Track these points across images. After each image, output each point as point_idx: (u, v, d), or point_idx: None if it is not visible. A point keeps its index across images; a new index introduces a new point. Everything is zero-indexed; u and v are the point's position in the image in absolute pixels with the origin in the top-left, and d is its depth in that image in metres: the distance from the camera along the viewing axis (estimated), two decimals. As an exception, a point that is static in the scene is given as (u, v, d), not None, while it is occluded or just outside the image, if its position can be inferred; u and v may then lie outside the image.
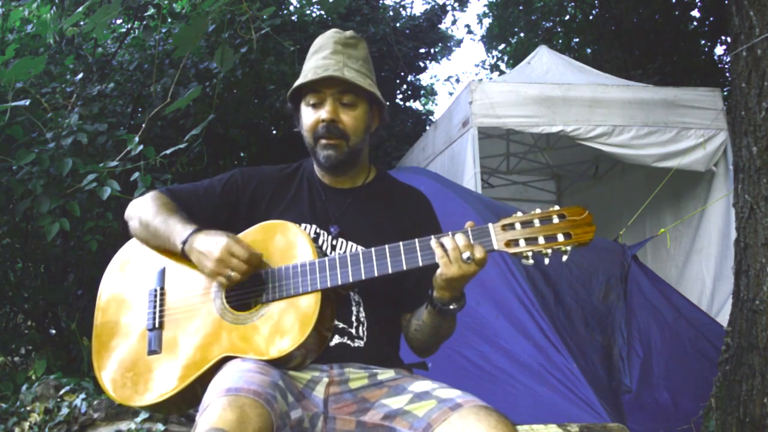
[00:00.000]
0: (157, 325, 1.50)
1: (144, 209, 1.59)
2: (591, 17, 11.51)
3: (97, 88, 4.37)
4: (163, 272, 1.57)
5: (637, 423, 3.19)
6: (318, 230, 1.61)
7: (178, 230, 1.51)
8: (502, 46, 13.63)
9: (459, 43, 19.01)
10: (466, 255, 1.34)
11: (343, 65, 1.58)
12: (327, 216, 1.63)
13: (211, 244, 1.44)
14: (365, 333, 1.53)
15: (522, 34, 12.47)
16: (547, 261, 1.36)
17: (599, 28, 10.97)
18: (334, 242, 1.60)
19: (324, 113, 1.57)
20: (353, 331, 1.52)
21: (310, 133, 1.60)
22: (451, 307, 1.44)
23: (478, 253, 1.35)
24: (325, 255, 1.51)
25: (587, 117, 5.09)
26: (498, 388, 3.03)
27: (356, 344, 1.52)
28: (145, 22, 4.84)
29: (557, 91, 5.14)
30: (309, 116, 1.60)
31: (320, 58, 1.60)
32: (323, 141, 1.58)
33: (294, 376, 1.44)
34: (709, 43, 10.90)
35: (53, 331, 4.37)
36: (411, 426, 1.31)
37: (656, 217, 5.82)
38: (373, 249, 1.44)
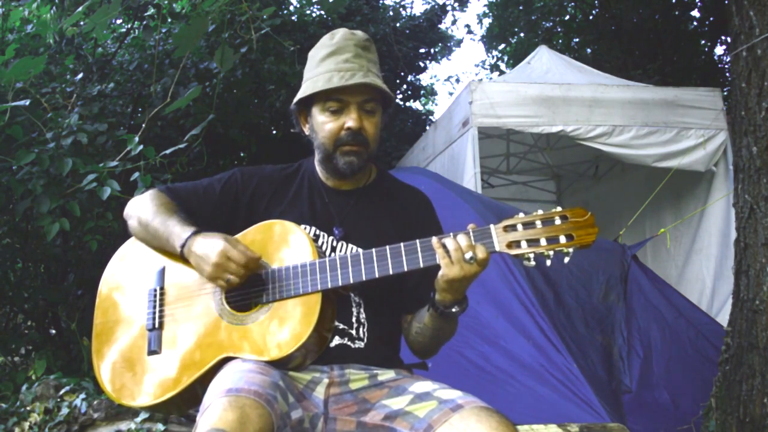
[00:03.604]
0: (156, 325, 1.49)
1: (143, 209, 1.58)
2: (591, 17, 11.51)
3: (97, 88, 4.37)
4: (162, 272, 1.56)
5: (637, 423, 3.19)
6: (318, 231, 1.60)
7: (177, 232, 1.50)
8: (502, 46, 13.64)
9: (459, 43, 19.07)
10: (468, 255, 1.33)
11: (367, 70, 1.53)
12: (330, 218, 1.62)
13: (209, 247, 1.43)
14: (365, 334, 1.53)
15: (522, 34, 12.48)
16: (548, 263, 1.35)
17: (599, 28, 10.97)
18: (335, 244, 1.59)
19: (351, 121, 1.52)
20: (353, 332, 1.52)
21: (331, 139, 1.54)
22: (453, 309, 1.43)
23: (481, 253, 1.34)
24: (325, 255, 1.51)
25: (587, 117, 5.09)
26: (498, 388, 3.03)
27: (356, 345, 1.51)
28: (145, 22, 4.84)
29: (557, 91, 5.14)
30: (328, 122, 1.54)
31: (341, 61, 1.53)
32: (346, 147, 1.54)
33: (294, 377, 1.44)
34: (709, 43, 10.91)
35: (53, 331, 4.37)
36: (412, 427, 1.32)
37: (656, 217, 5.82)
38: (374, 250, 1.43)
